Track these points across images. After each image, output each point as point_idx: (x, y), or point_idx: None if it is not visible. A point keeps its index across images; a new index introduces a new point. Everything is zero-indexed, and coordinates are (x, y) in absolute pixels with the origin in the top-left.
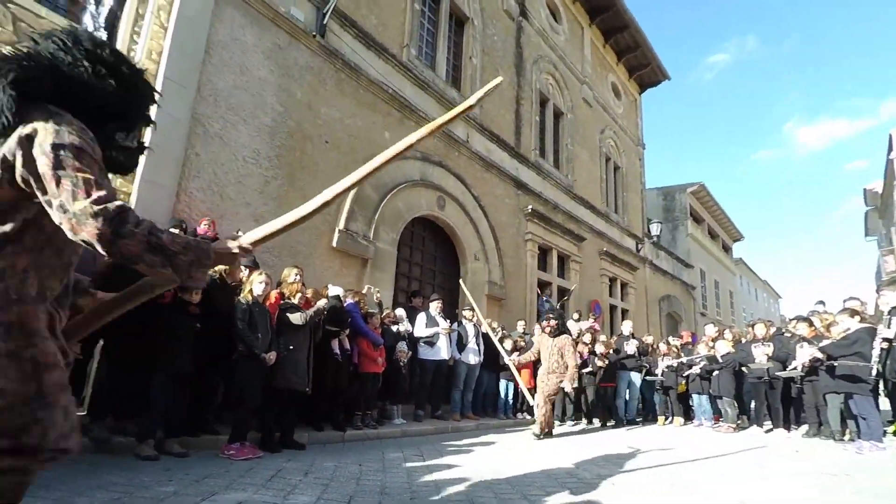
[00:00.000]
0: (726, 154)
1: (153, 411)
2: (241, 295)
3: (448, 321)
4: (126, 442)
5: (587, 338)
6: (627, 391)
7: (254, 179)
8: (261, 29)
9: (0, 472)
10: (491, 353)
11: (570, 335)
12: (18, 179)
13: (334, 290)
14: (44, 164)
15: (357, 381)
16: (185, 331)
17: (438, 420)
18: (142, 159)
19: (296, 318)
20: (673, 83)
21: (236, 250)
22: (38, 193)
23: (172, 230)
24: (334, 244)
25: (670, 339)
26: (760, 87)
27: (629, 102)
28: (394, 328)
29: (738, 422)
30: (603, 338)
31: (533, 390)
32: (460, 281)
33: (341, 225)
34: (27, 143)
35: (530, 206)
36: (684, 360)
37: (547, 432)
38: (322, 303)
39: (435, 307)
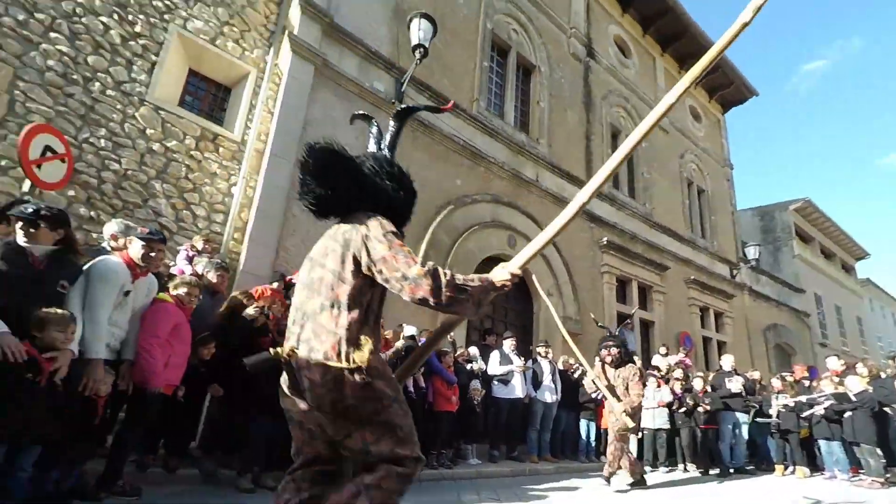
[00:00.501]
0: (840, 164)
1: (253, 448)
2: None
3: (522, 359)
4: (229, 475)
5: (678, 373)
6: (733, 434)
7: None
8: (348, 103)
9: (408, 478)
10: (569, 391)
11: (636, 364)
12: (365, 269)
13: (409, 330)
14: (383, 249)
15: (431, 419)
16: (282, 373)
17: (515, 461)
18: (250, 221)
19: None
20: (765, 98)
21: (509, 276)
22: (377, 274)
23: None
24: None
25: (785, 374)
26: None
27: (711, 123)
28: (467, 367)
29: (888, 475)
30: (700, 373)
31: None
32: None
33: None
34: (366, 240)
35: (605, 238)
36: (804, 398)
37: (638, 480)
38: (400, 343)
39: (508, 345)
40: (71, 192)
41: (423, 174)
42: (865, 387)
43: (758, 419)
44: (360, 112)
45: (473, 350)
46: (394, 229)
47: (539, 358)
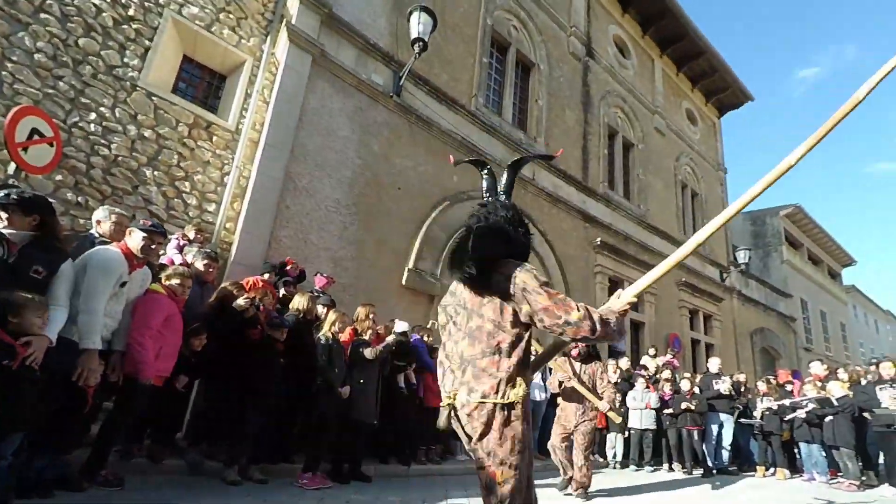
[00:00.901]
0: (829, 171)
1: (240, 439)
2: (321, 332)
3: None
4: (216, 466)
5: (666, 374)
6: (717, 435)
7: (334, 226)
8: (345, 95)
9: None
10: None
11: (601, 361)
12: (525, 318)
13: (400, 326)
14: (543, 300)
15: (422, 414)
16: (272, 366)
17: None
18: (243, 212)
19: (368, 353)
20: (760, 103)
21: (626, 305)
22: (538, 322)
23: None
24: (403, 282)
25: (769, 377)
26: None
27: (707, 127)
28: None
29: (864, 478)
30: (687, 375)
31: (605, 430)
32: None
33: (410, 264)
34: (525, 293)
35: (599, 239)
36: (788, 402)
37: (581, 489)
38: (391, 338)
39: None
40: (58, 177)
41: (419, 169)
42: (846, 392)
43: (741, 421)
44: (470, 158)
45: None
46: (545, 279)
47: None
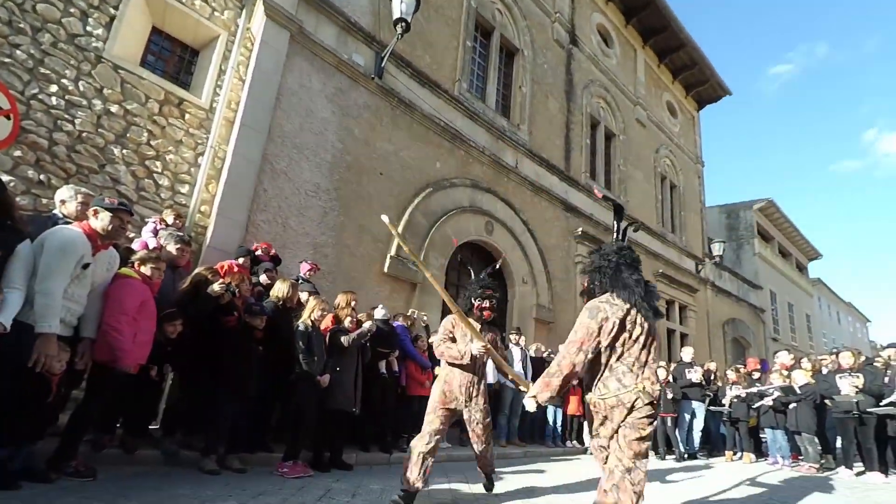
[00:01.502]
0: (798, 167)
1: (218, 428)
2: (301, 320)
3: None
4: (192, 456)
5: None
6: (689, 422)
7: (314, 211)
8: (325, 75)
9: None
10: (538, 377)
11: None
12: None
13: (380, 313)
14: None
15: (404, 403)
16: (249, 354)
17: None
18: (218, 194)
19: (343, 340)
20: (734, 98)
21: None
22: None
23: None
24: (385, 270)
25: (738, 366)
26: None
27: (686, 120)
28: None
29: (822, 461)
30: (663, 363)
31: (581, 417)
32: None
33: (392, 251)
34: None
35: (580, 229)
36: (755, 390)
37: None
38: (367, 325)
39: None
40: (17, 153)
41: (402, 154)
42: (809, 380)
43: (711, 408)
44: (611, 199)
45: None
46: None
47: (511, 345)
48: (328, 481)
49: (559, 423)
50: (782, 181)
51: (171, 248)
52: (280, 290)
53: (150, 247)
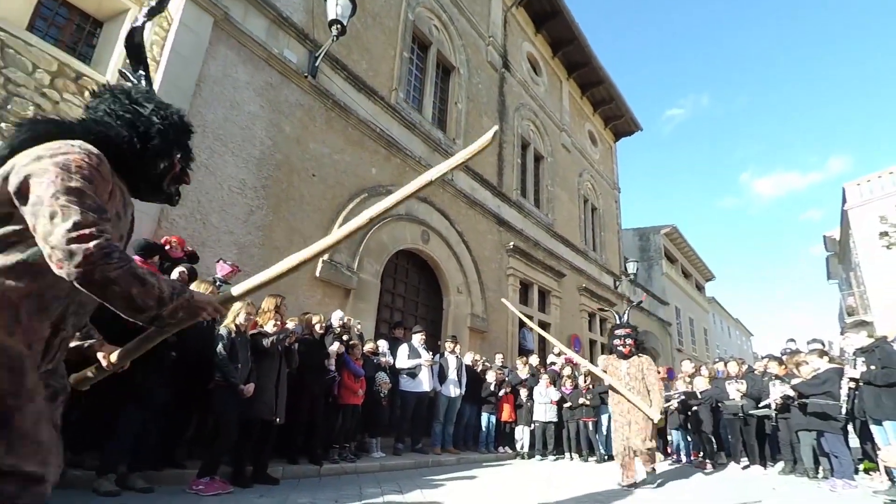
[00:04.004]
0: (694, 200)
1: (119, 444)
2: (224, 324)
3: (430, 353)
4: (84, 476)
5: (567, 371)
6: (607, 426)
7: (238, 209)
8: (254, 67)
9: None
10: (473, 386)
11: (645, 354)
12: None
13: (336, 316)
14: None
15: (336, 413)
16: (160, 359)
17: (419, 454)
18: None
19: (265, 342)
20: (643, 133)
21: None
22: None
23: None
24: (318, 274)
25: None
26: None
27: (605, 149)
28: (374, 360)
29: (717, 458)
30: (585, 370)
31: (513, 423)
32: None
33: (325, 255)
34: None
35: (512, 243)
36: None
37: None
38: (290, 325)
39: (418, 339)
40: None
41: (336, 157)
42: (707, 386)
43: None
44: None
45: (382, 343)
46: None
47: (446, 353)
48: (251, 497)
49: (492, 429)
50: (683, 211)
51: None
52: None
53: None
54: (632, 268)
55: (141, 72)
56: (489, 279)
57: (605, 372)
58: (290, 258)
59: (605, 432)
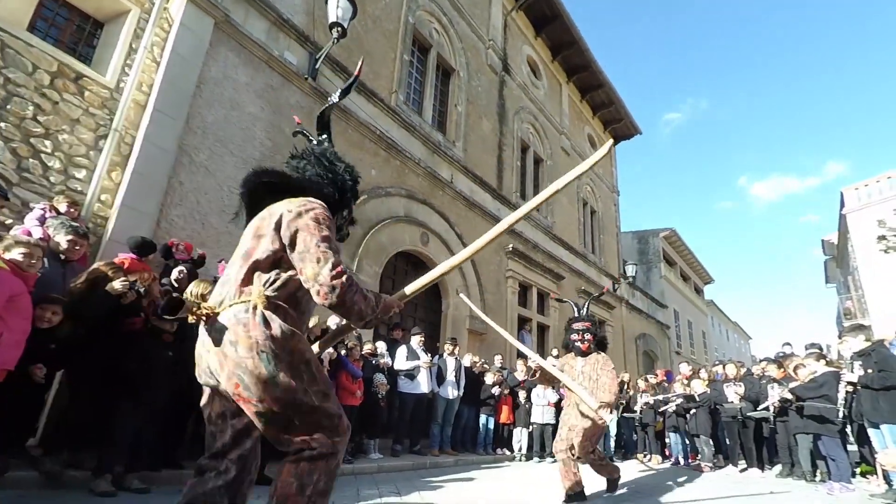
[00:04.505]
0: (693, 203)
1: (116, 444)
2: None
3: (429, 355)
4: (81, 476)
5: None
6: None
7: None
8: (254, 69)
9: None
10: (471, 388)
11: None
12: None
13: (333, 320)
14: None
15: None
16: (158, 359)
17: (416, 455)
18: (124, 183)
19: None
20: (642, 137)
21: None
22: None
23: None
24: None
25: (648, 376)
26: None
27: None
28: (373, 361)
29: (715, 461)
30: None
31: (511, 425)
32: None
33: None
34: None
35: (511, 245)
36: (661, 397)
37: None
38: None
39: (416, 341)
40: None
41: None
42: (705, 389)
43: (625, 415)
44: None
45: (380, 344)
46: None
47: (445, 355)
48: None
49: (490, 430)
50: (680, 214)
51: (62, 239)
52: (194, 291)
53: (36, 237)
54: (630, 270)
55: (324, 135)
56: (488, 281)
57: (563, 371)
58: (452, 259)
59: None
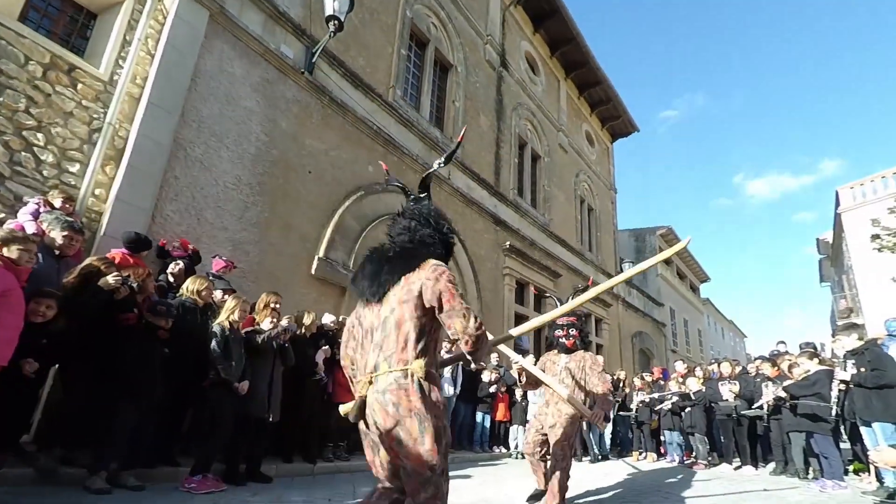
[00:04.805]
0: (688, 201)
1: (112, 441)
2: (218, 320)
3: None
4: (76, 473)
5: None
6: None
7: (234, 205)
8: (249, 62)
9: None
10: (468, 385)
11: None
12: None
13: (328, 318)
14: None
15: (331, 411)
16: (153, 356)
17: None
18: (118, 178)
19: (258, 338)
20: (640, 134)
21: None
22: None
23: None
24: (313, 272)
25: (644, 374)
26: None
27: (602, 150)
28: None
29: (710, 458)
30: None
31: (508, 423)
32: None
33: (321, 253)
34: None
35: (508, 242)
36: (656, 395)
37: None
38: (284, 323)
39: None
40: None
41: (332, 154)
42: (700, 387)
43: (621, 413)
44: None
45: None
46: None
47: (443, 352)
48: (244, 496)
49: (487, 428)
50: (676, 212)
51: (57, 234)
52: (190, 286)
53: (29, 232)
54: (627, 268)
55: (424, 194)
56: (485, 279)
57: (544, 371)
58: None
59: (599, 432)
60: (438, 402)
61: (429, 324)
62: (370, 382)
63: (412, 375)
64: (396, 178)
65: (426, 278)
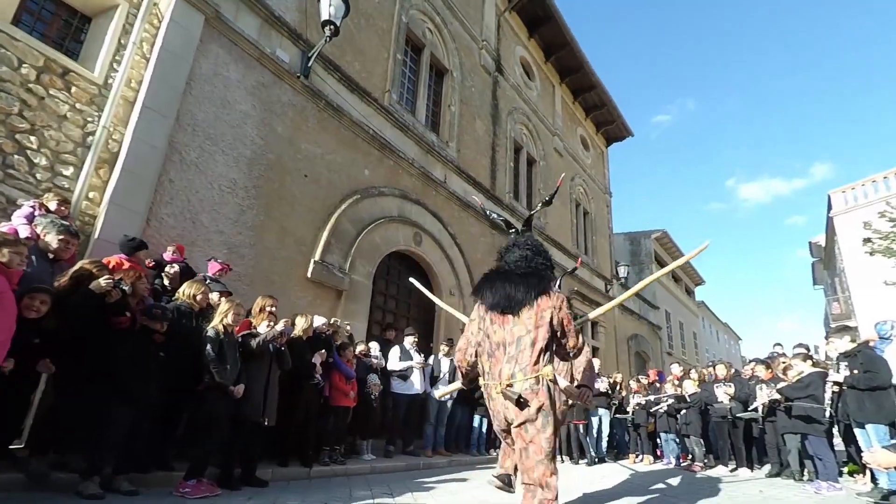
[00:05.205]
0: (682, 205)
1: (105, 445)
2: (212, 323)
3: (422, 355)
4: (68, 479)
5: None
6: (597, 428)
7: (229, 208)
8: (245, 66)
9: None
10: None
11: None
12: None
13: (319, 321)
14: None
15: (327, 414)
16: (148, 359)
17: (410, 456)
18: (112, 181)
19: (253, 343)
20: (634, 139)
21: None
22: None
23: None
24: (309, 275)
25: (640, 377)
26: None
27: (597, 154)
28: (366, 361)
29: (706, 461)
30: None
31: None
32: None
33: (317, 256)
34: None
35: (504, 245)
36: (652, 397)
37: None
38: (280, 326)
39: (410, 341)
40: None
41: (328, 158)
42: (696, 389)
43: (617, 415)
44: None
45: (374, 345)
46: None
47: (439, 355)
48: (239, 500)
49: (484, 431)
50: (670, 216)
51: (52, 238)
52: (186, 290)
53: (23, 235)
54: (622, 272)
55: (526, 230)
56: None
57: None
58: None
59: (595, 435)
60: (559, 397)
61: (552, 341)
62: (509, 386)
63: (543, 379)
64: (499, 212)
65: (554, 307)
